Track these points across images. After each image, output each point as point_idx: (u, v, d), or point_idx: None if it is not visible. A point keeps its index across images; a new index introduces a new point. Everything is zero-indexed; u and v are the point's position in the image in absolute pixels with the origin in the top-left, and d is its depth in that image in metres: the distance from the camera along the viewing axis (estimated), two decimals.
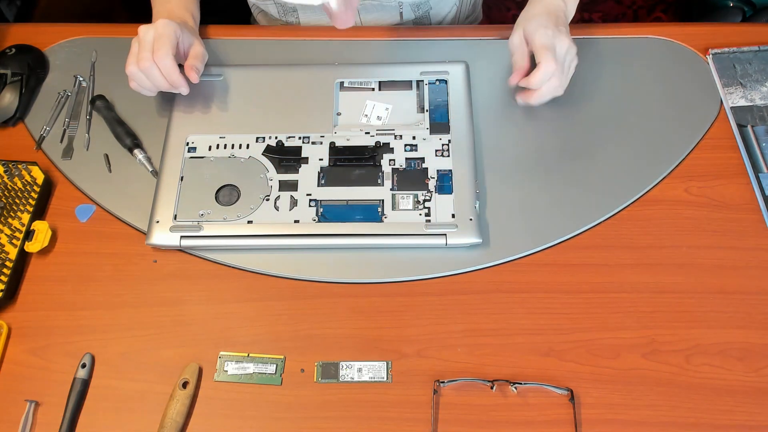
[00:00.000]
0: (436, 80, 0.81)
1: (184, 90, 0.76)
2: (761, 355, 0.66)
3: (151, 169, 0.77)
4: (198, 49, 0.78)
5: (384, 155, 0.76)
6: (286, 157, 0.76)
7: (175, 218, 0.72)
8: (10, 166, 0.76)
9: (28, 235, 0.72)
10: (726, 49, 0.84)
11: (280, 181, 0.75)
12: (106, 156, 0.79)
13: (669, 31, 0.87)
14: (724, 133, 0.79)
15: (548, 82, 0.72)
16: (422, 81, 0.81)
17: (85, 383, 0.66)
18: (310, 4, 0.65)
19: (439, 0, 0.91)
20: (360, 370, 0.66)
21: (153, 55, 0.72)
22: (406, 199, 0.73)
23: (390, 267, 0.71)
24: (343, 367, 0.66)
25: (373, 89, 0.81)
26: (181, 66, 0.75)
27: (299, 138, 0.77)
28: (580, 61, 0.76)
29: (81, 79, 0.85)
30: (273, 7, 0.90)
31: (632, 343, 0.67)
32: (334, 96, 0.80)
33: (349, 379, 0.65)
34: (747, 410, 0.63)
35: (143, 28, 0.74)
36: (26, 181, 0.75)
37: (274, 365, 0.66)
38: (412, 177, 0.74)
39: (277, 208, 0.73)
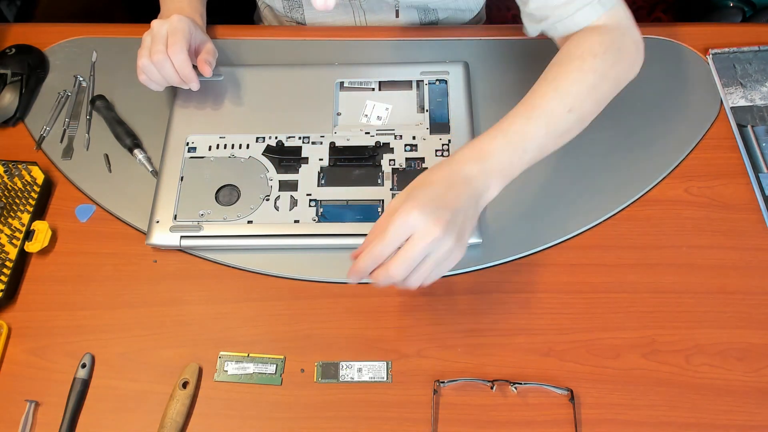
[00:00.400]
0: (436, 80, 0.81)
1: (195, 85, 0.76)
2: (761, 355, 0.66)
3: (151, 169, 0.77)
4: (210, 46, 0.79)
5: (384, 155, 0.76)
6: (286, 157, 0.76)
7: (175, 218, 0.72)
8: (10, 166, 0.76)
9: (28, 235, 0.72)
10: (726, 49, 0.84)
11: (280, 181, 0.74)
12: (106, 156, 0.79)
13: (669, 31, 0.87)
14: (724, 133, 0.79)
15: (383, 270, 0.57)
16: (422, 81, 0.81)
17: (85, 383, 0.66)
18: None
19: (452, 14, 0.91)
20: (360, 370, 0.66)
21: (167, 48, 0.72)
22: None
23: None
24: (343, 367, 0.66)
25: (373, 89, 0.81)
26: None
27: (299, 138, 0.77)
28: None
29: (81, 79, 0.85)
30: (279, 2, 0.90)
31: (632, 343, 0.67)
32: (334, 96, 0.80)
33: (349, 379, 0.65)
34: (747, 410, 0.63)
35: (157, 22, 0.74)
36: (26, 181, 0.75)
37: (274, 365, 0.66)
38: (412, 177, 0.73)
39: (277, 208, 0.73)
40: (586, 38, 0.69)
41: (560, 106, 0.65)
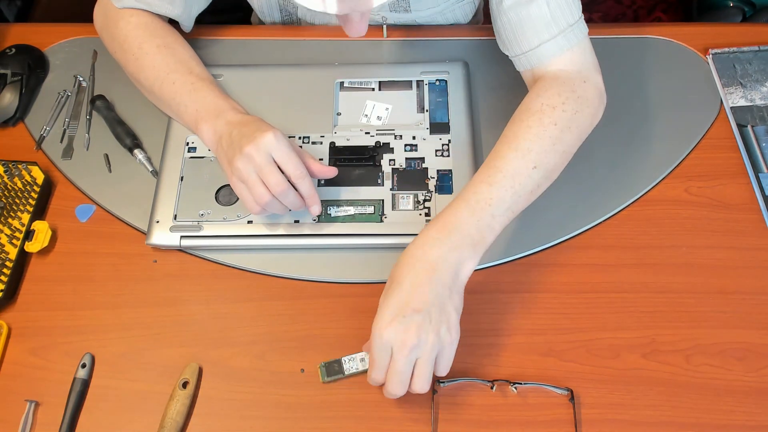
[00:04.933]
0: (436, 80, 0.81)
1: (318, 209, 0.69)
2: (761, 355, 0.66)
3: (151, 169, 0.77)
4: (301, 150, 0.70)
5: (384, 155, 0.76)
6: None
7: (175, 218, 0.72)
8: (10, 166, 0.76)
9: (28, 235, 0.72)
10: (726, 49, 0.84)
11: None
12: (106, 156, 0.79)
13: (669, 31, 0.87)
14: (724, 133, 0.79)
15: (386, 392, 0.59)
16: (422, 81, 0.81)
17: (85, 383, 0.66)
18: (319, 11, 0.59)
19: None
20: (363, 360, 0.65)
21: (291, 177, 0.66)
22: (406, 199, 0.73)
23: (390, 267, 0.71)
24: (345, 361, 0.65)
25: (373, 89, 0.81)
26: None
27: (299, 138, 0.77)
28: None
29: (81, 79, 0.85)
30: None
31: (632, 343, 0.67)
32: (334, 96, 0.80)
33: (354, 370, 0.65)
34: (747, 410, 0.63)
35: (252, 149, 0.64)
36: (26, 181, 0.75)
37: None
38: (412, 177, 0.74)
39: None
40: (543, 90, 0.68)
41: (524, 164, 0.63)
